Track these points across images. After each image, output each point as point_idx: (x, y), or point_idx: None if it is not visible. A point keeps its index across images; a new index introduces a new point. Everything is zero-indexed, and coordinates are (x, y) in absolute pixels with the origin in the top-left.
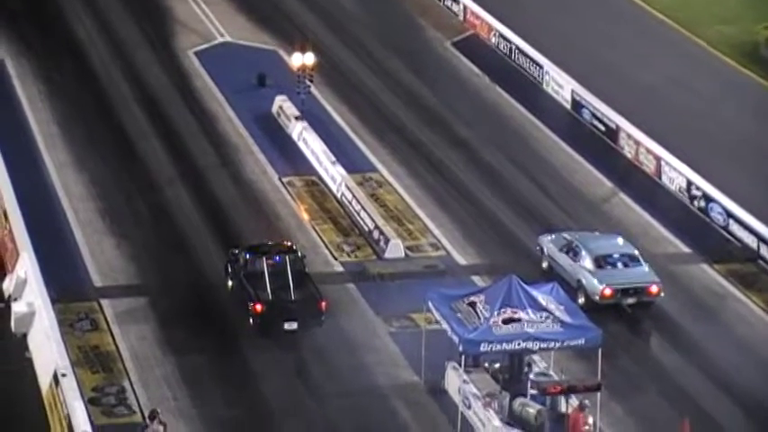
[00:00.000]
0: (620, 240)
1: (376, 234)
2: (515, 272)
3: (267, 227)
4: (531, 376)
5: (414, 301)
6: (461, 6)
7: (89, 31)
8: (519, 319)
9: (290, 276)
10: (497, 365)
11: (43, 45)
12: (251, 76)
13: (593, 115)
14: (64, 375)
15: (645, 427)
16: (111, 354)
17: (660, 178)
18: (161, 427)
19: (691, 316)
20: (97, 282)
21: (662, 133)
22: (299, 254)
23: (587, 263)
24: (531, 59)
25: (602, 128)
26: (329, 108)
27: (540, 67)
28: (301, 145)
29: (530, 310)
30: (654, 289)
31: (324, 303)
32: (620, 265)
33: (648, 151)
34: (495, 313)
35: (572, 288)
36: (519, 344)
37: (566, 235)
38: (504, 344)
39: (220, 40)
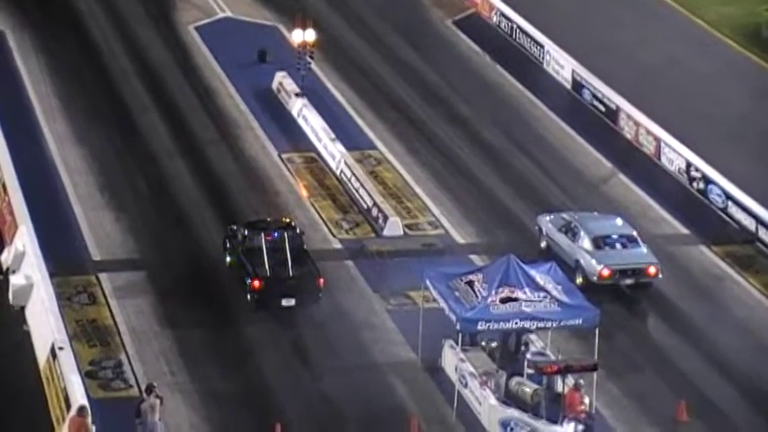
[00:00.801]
0: (619, 221)
1: (375, 211)
2: (514, 251)
3: (266, 202)
4: (528, 355)
5: (412, 278)
6: None
7: (90, 5)
8: (516, 299)
9: (288, 253)
10: (494, 344)
11: (44, 18)
12: (251, 52)
13: (594, 95)
14: (61, 349)
15: (641, 407)
16: (109, 328)
17: (660, 159)
18: (157, 401)
19: (688, 297)
20: (96, 255)
21: (662, 114)
22: (298, 230)
23: (586, 243)
24: (532, 39)
25: (603, 108)
26: (329, 85)
27: (541, 46)
28: (301, 121)
29: (527, 290)
30: (652, 270)
31: (322, 280)
32: (618, 245)
33: (648, 132)
34: (493, 292)
35: (570, 268)
36: (516, 323)
37: (564, 215)
38: (501, 323)
39: (221, 15)
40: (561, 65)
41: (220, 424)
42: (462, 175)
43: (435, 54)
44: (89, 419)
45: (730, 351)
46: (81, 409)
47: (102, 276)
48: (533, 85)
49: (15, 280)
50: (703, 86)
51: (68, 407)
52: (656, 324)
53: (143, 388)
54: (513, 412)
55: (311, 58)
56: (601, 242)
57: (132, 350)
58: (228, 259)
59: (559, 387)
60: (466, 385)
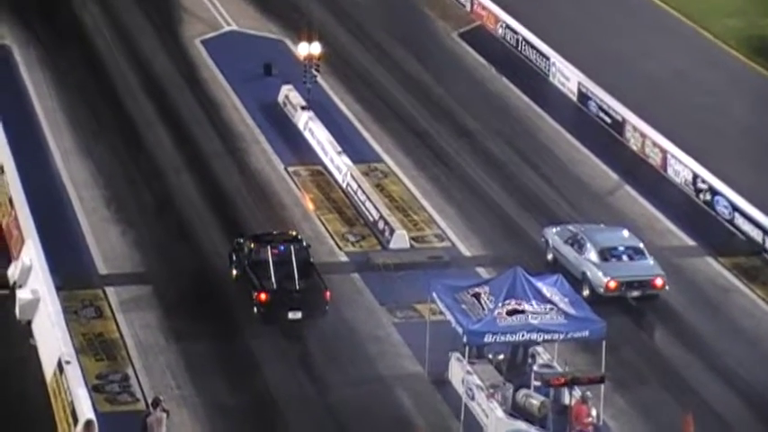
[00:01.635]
0: (626, 233)
1: (381, 224)
2: (520, 263)
3: (272, 216)
4: (535, 368)
5: (418, 291)
6: None
7: (96, 19)
8: (523, 311)
9: (294, 266)
10: (501, 357)
11: (50, 32)
12: (257, 66)
13: (600, 107)
14: (68, 362)
15: (648, 420)
16: (116, 341)
17: (666, 171)
18: (164, 415)
19: (695, 309)
20: (102, 269)
21: (668, 126)
22: (304, 243)
23: (592, 255)
24: (538, 51)
25: (609, 120)
26: (335, 98)
27: (547, 58)
28: (307, 134)
29: (534, 302)
30: (658, 282)
31: (328, 293)
32: (625, 257)
33: (654, 144)
34: (500, 305)
35: (577, 280)
36: (523, 335)
37: (571, 227)
38: (508, 335)
39: (227, 28)
40: (567, 77)
41: None
42: (468, 187)
43: (441, 67)
44: None
45: (737, 363)
46: (88, 424)
47: (109, 290)
48: (539, 97)
49: (22, 294)
50: (709, 98)
51: (75, 421)
52: (663, 336)
53: (149, 401)
54: (521, 425)
55: (317, 71)
56: (607, 254)
57: (139, 364)
58: (235, 272)
59: (566, 399)
60: (473, 398)
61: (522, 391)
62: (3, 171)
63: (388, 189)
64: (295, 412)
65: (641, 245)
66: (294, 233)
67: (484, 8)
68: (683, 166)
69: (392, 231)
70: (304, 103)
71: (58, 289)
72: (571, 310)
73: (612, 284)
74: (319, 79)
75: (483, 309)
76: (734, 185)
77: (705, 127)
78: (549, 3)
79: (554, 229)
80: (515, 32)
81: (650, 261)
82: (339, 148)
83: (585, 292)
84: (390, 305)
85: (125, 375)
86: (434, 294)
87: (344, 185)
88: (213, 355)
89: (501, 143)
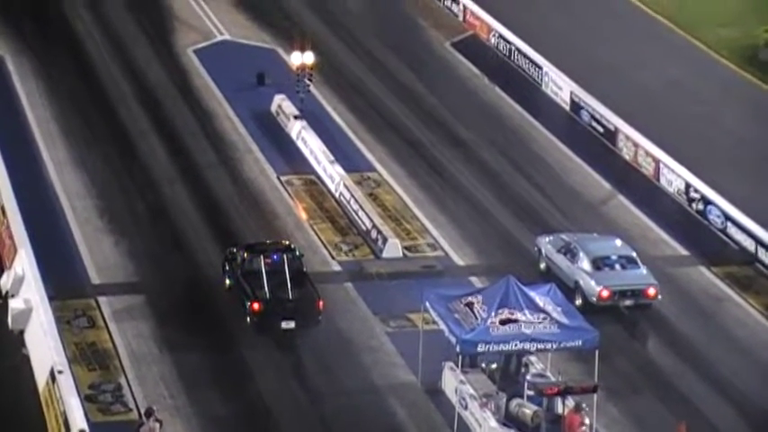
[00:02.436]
0: (618, 242)
1: (374, 233)
2: (513, 273)
3: (265, 226)
4: (528, 377)
5: (411, 300)
6: (461, 7)
7: (89, 29)
8: (516, 320)
9: (287, 275)
10: (494, 366)
11: (43, 42)
12: (250, 75)
13: (592, 117)
14: (60, 372)
15: (641, 429)
16: (108, 351)
17: (658, 180)
18: (157, 425)
19: (688, 318)
20: (95, 279)
21: (661, 135)
22: (297, 253)
23: (585, 264)
24: (531, 60)
25: (601, 129)
26: (328, 107)
27: (540, 68)
28: (300, 144)
29: (527, 311)
30: (651, 291)
31: (321, 302)
32: (617, 266)
33: (647, 153)
34: (493, 314)
35: (569, 289)
36: (516, 345)
37: (564, 236)
38: (501, 344)
39: (220, 38)
40: (559, 86)
41: None
42: (461, 196)
43: (434, 76)
44: None
45: (730, 372)
46: None
47: (102, 300)
48: (532, 106)
49: (14, 304)
50: (702, 107)
51: (68, 430)
52: (656, 345)
53: (142, 411)
54: None
55: (310, 80)
56: (600, 263)
57: (132, 374)
58: (228, 282)
59: (559, 409)
60: (466, 407)
61: (516, 401)
62: None
63: (381, 198)
64: (288, 422)
65: (634, 254)
66: (287, 242)
67: (477, 18)
68: (675, 176)
69: (385, 240)
70: (297, 113)
71: (51, 298)
72: (564, 320)
73: (605, 294)
74: (312, 89)
75: (476, 318)
76: (726, 195)
77: (698, 136)
78: (542, 12)
79: (547, 239)
80: (508, 42)
81: (643, 270)
82: (332, 158)
83: (578, 302)
84: (384, 314)
85: (118, 385)
86: (427, 304)
87: (337, 195)
88: (206, 365)
89: (494, 152)
